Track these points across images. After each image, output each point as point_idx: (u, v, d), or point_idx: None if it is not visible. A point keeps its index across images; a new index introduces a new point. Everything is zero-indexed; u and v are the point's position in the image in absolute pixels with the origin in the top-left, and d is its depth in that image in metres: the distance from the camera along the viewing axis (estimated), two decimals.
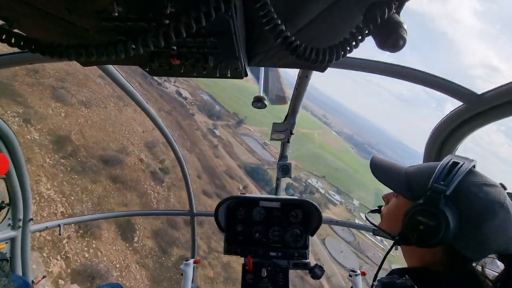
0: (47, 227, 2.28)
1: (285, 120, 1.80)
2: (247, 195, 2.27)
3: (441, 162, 0.80)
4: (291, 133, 1.84)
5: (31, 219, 2.12)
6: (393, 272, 0.86)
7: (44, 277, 2.27)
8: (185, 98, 55.10)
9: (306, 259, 2.21)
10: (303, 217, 2.25)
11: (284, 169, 2.25)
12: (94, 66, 1.17)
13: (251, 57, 0.90)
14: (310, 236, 2.24)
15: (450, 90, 1.24)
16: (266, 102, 1.62)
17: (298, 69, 1.47)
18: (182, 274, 1.90)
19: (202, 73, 0.89)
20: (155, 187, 26.04)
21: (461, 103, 1.25)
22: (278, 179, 2.56)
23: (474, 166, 0.79)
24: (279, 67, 0.96)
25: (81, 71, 27.77)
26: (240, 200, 2.27)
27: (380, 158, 0.99)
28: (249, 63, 0.93)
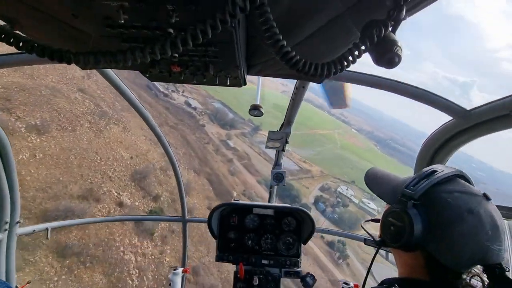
0: (34, 230, 2.22)
1: (280, 128, 1.82)
2: (240, 202, 2.26)
3: (422, 170, 0.84)
4: (286, 142, 1.87)
5: (18, 222, 2.06)
6: (383, 283, 0.88)
7: (29, 282, 2.20)
8: (195, 108, 52.38)
9: (298, 268, 2.20)
10: (296, 225, 2.26)
11: (278, 177, 2.27)
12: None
13: (250, 66, 0.92)
14: (302, 244, 2.25)
15: (441, 105, 1.28)
16: (262, 110, 1.64)
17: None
18: (170, 284, 1.84)
19: (202, 81, 0.91)
20: (140, 245, 18.60)
21: (451, 118, 1.30)
22: (271, 187, 2.57)
23: (460, 176, 0.82)
24: (278, 77, 0.98)
25: (45, 85, 23.17)
26: (234, 207, 2.26)
27: (376, 170, 1.04)
28: (248, 72, 0.95)
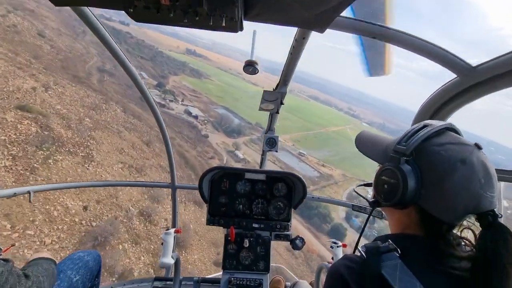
0: (15, 193, 2.12)
1: (275, 88, 1.73)
2: (232, 166, 2.23)
3: (413, 126, 0.83)
4: (281, 103, 1.78)
5: None
6: (376, 239, 0.87)
7: (13, 245, 2.14)
8: (196, 117, 48.41)
9: (288, 231, 2.24)
10: (287, 190, 2.26)
11: (271, 142, 2.22)
12: None
13: (248, 8, 0.82)
14: (293, 209, 2.27)
15: (445, 61, 1.22)
16: (258, 67, 1.53)
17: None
18: (162, 244, 1.86)
19: (194, 21, 0.81)
20: None
21: (455, 76, 1.25)
22: (263, 153, 2.53)
23: (450, 129, 0.81)
24: (277, 24, 0.88)
25: None
26: (225, 172, 2.23)
27: (366, 133, 1.03)
28: (245, 15, 0.86)
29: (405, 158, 0.77)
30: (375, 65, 1.51)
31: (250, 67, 1.53)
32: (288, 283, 2.49)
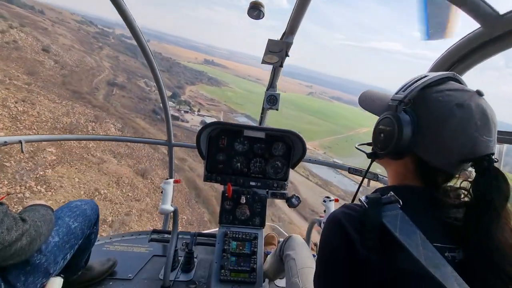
0: (6, 142, 2.06)
1: (281, 37, 1.60)
2: (230, 122, 2.17)
3: (413, 76, 0.82)
4: (287, 55, 1.66)
5: None
6: (377, 191, 0.85)
7: (8, 194, 2.13)
8: None
9: (285, 190, 2.27)
10: (286, 150, 2.24)
11: (272, 100, 2.13)
12: None
13: None
14: (290, 169, 2.27)
15: (470, 7, 1.11)
16: (263, 10, 1.39)
17: None
18: (162, 192, 1.88)
19: None
20: None
21: (479, 26, 1.15)
22: (263, 111, 2.45)
23: (452, 79, 0.79)
24: None
25: None
26: (223, 128, 2.17)
27: (369, 91, 0.99)
28: None
29: (402, 106, 0.76)
30: (435, 25, 1.33)
31: (255, 10, 1.38)
32: (281, 239, 2.60)
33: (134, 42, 2.09)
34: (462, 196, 0.75)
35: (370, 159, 0.92)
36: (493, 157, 0.70)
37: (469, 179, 0.74)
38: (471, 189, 0.72)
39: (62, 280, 1.37)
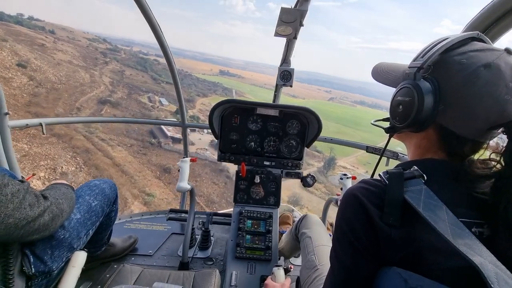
0: (27, 124, 2.12)
1: (295, 5, 1.48)
2: (242, 99, 2.11)
3: (433, 40, 0.73)
4: (301, 25, 1.55)
5: (7, 113, 1.93)
6: (399, 166, 0.79)
7: (34, 174, 2.23)
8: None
9: (300, 169, 2.23)
10: (300, 128, 2.17)
11: (285, 76, 2.03)
12: None
13: None
14: (305, 148, 2.21)
15: None
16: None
17: None
18: (179, 170, 1.90)
19: None
20: None
21: None
22: (276, 88, 2.37)
23: (476, 39, 0.71)
24: None
25: None
26: (236, 106, 2.12)
27: (383, 63, 0.91)
28: None
29: (421, 73, 0.69)
30: None
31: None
32: (296, 218, 2.59)
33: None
34: (492, 166, 0.68)
35: (388, 135, 0.84)
36: None
37: (498, 150, 0.66)
38: (502, 158, 0.65)
39: (86, 254, 1.43)
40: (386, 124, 0.85)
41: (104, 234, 1.83)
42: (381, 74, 0.89)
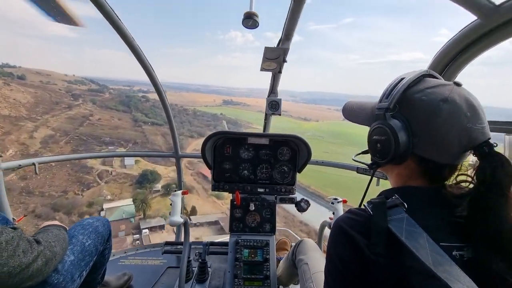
0: (20, 165, 2.13)
1: (278, 44, 1.61)
2: (233, 131, 2.19)
3: (390, 82, 0.83)
4: (284, 61, 1.67)
5: (0, 156, 1.95)
6: (381, 194, 0.85)
7: (25, 215, 2.20)
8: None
9: (293, 194, 2.26)
10: (291, 154, 2.24)
11: (274, 106, 2.14)
12: None
13: None
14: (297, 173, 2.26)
15: (464, 0, 1.09)
16: (258, 19, 1.41)
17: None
18: (171, 204, 1.90)
19: None
20: None
21: (475, 18, 1.13)
22: (266, 117, 2.46)
23: (427, 75, 0.81)
24: None
25: None
26: (227, 137, 2.19)
27: (351, 102, 1.01)
28: None
29: (389, 112, 0.78)
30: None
31: (250, 20, 1.40)
32: (293, 243, 2.58)
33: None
34: (466, 185, 0.75)
35: (372, 169, 0.91)
36: (492, 142, 0.71)
37: (470, 168, 0.74)
38: (475, 176, 0.72)
39: None
40: (367, 157, 0.93)
41: (98, 273, 1.79)
42: (352, 114, 0.98)
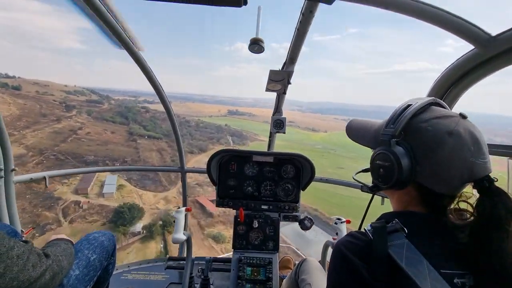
0: (31, 178, 2.20)
1: (283, 67, 1.68)
2: (239, 149, 2.23)
3: (397, 107, 0.85)
4: (289, 83, 1.74)
5: (14, 169, 2.02)
6: (382, 217, 0.86)
7: (33, 228, 2.25)
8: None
9: (297, 212, 2.27)
10: (295, 172, 2.26)
11: (278, 124, 2.19)
12: None
13: None
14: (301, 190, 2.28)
15: (462, 31, 1.14)
16: (263, 45, 1.48)
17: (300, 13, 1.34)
18: (174, 221, 1.93)
19: None
20: None
21: (473, 47, 1.18)
22: (271, 135, 2.51)
23: (434, 103, 0.83)
24: None
25: None
26: (233, 155, 2.23)
27: (355, 121, 1.04)
28: None
29: (395, 139, 0.79)
30: None
31: (256, 45, 1.48)
32: (297, 261, 2.55)
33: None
34: (467, 217, 0.76)
35: (372, 191, 0.93)
36: (492, 177, 0.72)
37: (469, 200, 0.76)
38: (475, 210, 0.73)
39: None
40: (367, 175, 0.95)
41: None
42: (356, 136, 1.00)
